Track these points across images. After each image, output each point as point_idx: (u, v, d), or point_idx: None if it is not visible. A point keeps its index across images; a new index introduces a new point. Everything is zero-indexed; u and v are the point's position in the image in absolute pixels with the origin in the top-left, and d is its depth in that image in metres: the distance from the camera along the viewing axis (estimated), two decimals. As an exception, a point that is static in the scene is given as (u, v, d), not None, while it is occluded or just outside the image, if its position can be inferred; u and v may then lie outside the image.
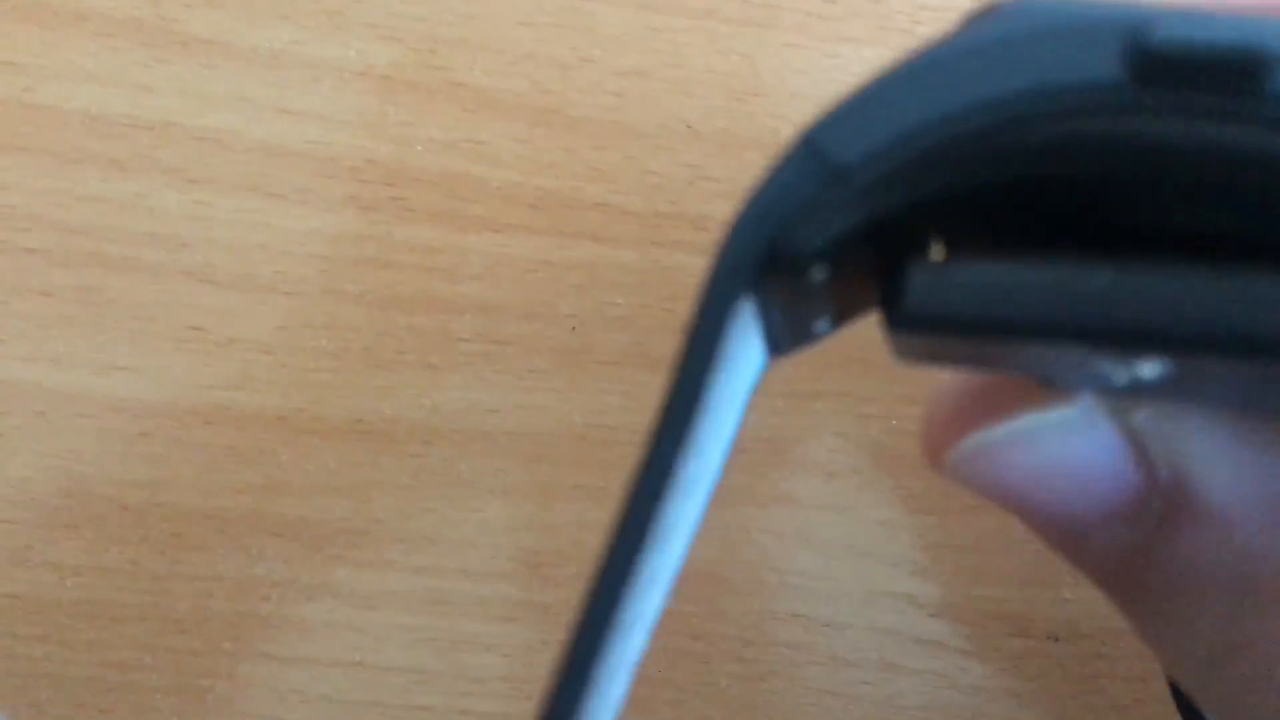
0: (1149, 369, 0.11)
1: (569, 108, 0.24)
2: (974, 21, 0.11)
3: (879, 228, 0.11)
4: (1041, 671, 0.24)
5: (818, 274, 0.11)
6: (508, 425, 0.24)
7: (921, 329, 0.11)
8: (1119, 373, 0.11)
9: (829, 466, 0.24)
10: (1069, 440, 0.13)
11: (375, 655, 0.24)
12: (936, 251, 0.11)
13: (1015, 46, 0.10)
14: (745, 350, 0.12)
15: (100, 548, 0.24)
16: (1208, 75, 0.10)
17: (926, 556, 0.24)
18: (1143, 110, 0.10)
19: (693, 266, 0.24)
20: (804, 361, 0.24)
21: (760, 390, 0.24)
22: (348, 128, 0.24)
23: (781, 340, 0.12)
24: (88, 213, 0.23)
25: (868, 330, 0.13)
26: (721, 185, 0.24)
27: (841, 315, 0.13)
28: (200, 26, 0.23)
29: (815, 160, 0.10)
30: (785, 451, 0.24)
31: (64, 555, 0.24)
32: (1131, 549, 0.13)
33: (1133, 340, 0.10)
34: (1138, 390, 0.12)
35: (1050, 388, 0.13)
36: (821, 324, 0.13)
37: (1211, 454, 0.12)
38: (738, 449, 0.23)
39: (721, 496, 0.24)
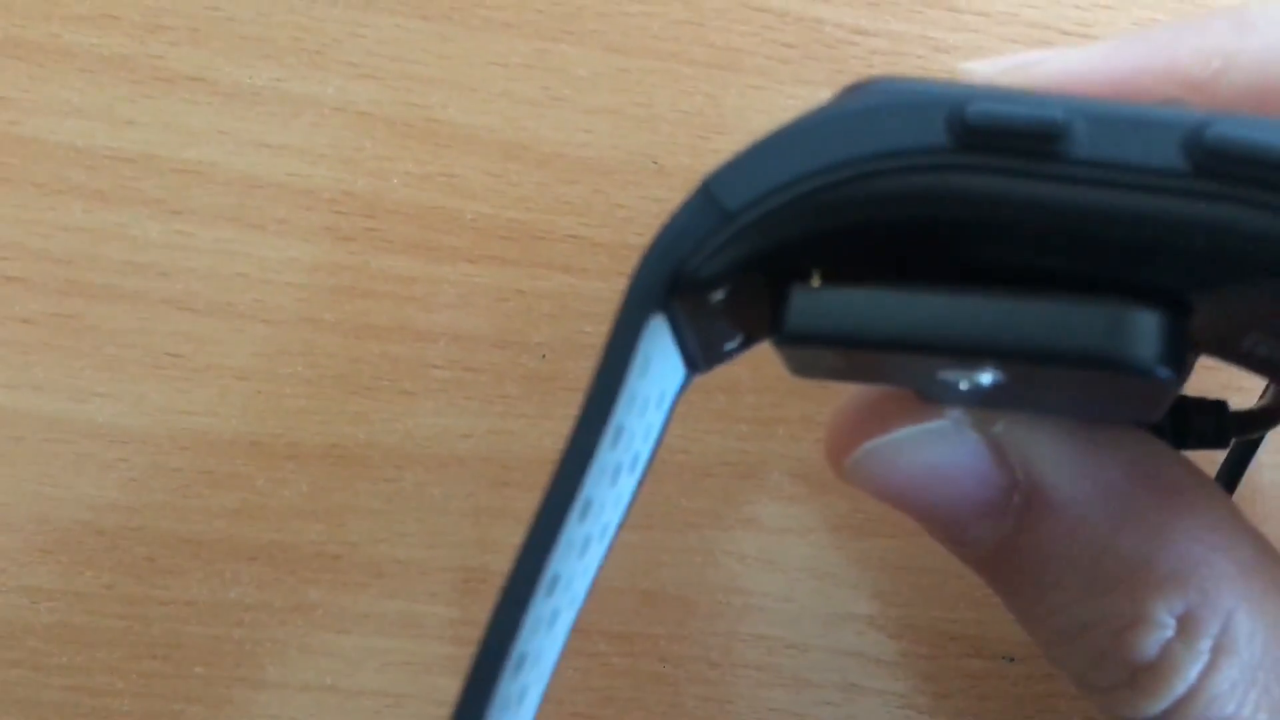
0: (986, 376, 0.13)
1: (541, 144, 0.25)
2: (846, 94, 0.13)
3: (770, 260, 0.13)
4: (997, 691, 0.25)
5: (717, 296, 0.13)
6: (480, 451, 0.25)
7: (801, 344, 0.13)
8: (964, 379, 0.13)
9: (791, 491, 0.25)
10: (941, 447, 0.15)
11: (348, 679, 0.24)
12: (815, 280, 0.13)
13: (867, 117, 0.13)
14: (663, 364, 0.14)
15: (75, 572, 0.24)
16: (1013, 142, 0.12)
17: (885, 579, 0.25)
18: (962, 169, 0.12)
19: (659, 297, 0.25)
20: (767, 389, 0.25)
21: (724, 416, 0.25)
22: (326, 161, 0.24)
23: (697, 358, 0.14)
24: (70, 242, 0.24)
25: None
26: (687, 219, 0.25)
27: (748, 336, 0.15)
28: (184, 64, 0.24)
29: (709, 203, 0.13)
30: (749, 476, 0.25)
31: (39, 579, 0.24)
32: (1000, 541, 0.15)
33: (962, 350, 0.13)
34: (984, 398, 0.14)
35: (926, 401, 0.15)
36: (731, 343, 0.15)
37: (1055, 456, 0.14)
38: (703, 473, 0.24)
39: (687, 520, 0.25)
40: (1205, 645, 0.14)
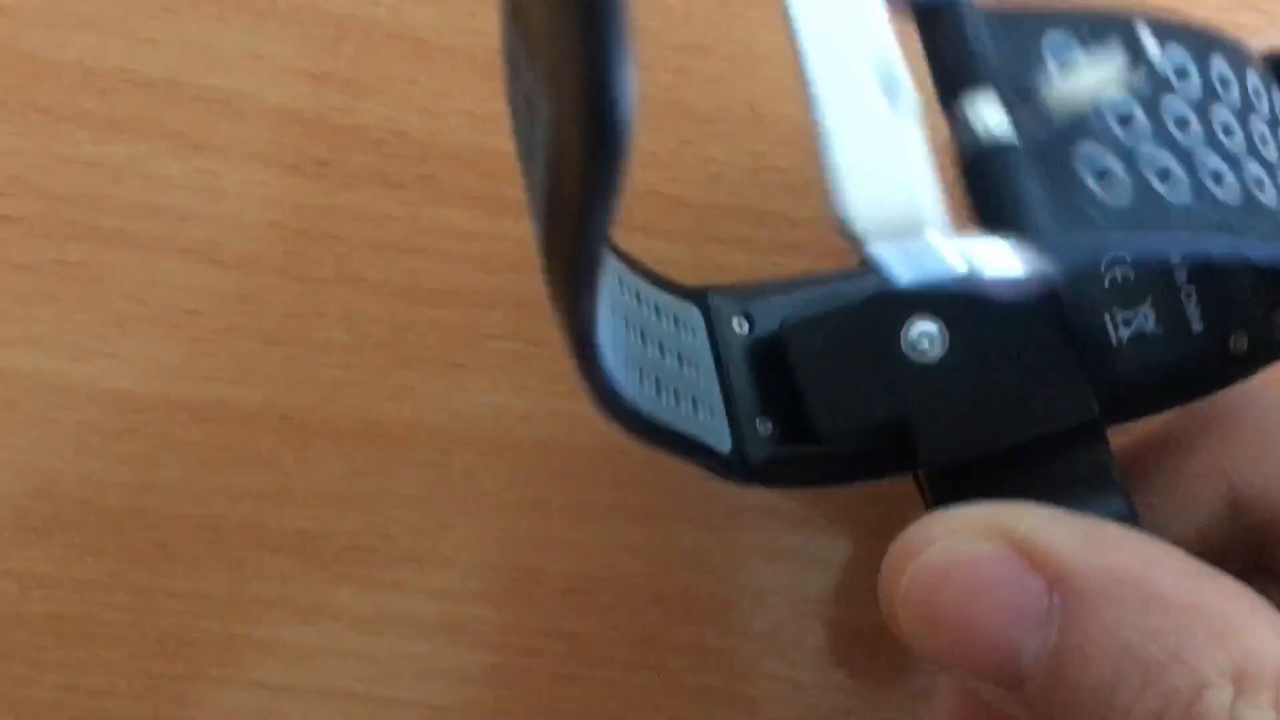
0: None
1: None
2: None
3: None
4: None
5: None
6: (539, 435, 0.22)
7: None
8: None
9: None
10: (977, 559, 0.15)
11: (380, 687, 0.22)
12: None
13: None
14: None
15: (74, 557, 0.21)
16: None
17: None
18: None
19: (751, 266, 0.22)
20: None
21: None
22: (374, 95, 0.21)
23: None
24: (77, 178, 0.21)
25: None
26: (788, 177, 0.22)
27: None
28: (214, -25, 0.21)
29: None
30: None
31: (32, 564, 0.21)
32: (1050, 658, 0.15)
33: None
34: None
35: None
36: None
37: (1076, 551, 0.15)
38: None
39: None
40: (1265, 699, 0.14)
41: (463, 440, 0.22)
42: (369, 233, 0.21)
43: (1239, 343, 0.18)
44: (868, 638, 0.22)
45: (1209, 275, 0.18)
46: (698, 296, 0.19)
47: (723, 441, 0.17)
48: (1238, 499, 0.18)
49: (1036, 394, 0.17)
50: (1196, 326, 0.18)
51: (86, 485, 0.21)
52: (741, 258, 0.22)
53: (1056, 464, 0.17)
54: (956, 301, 0.17)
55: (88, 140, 0.21)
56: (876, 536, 0.22)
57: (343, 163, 0.21)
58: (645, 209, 0.22)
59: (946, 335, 0.17)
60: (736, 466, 0.17)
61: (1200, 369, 0.18)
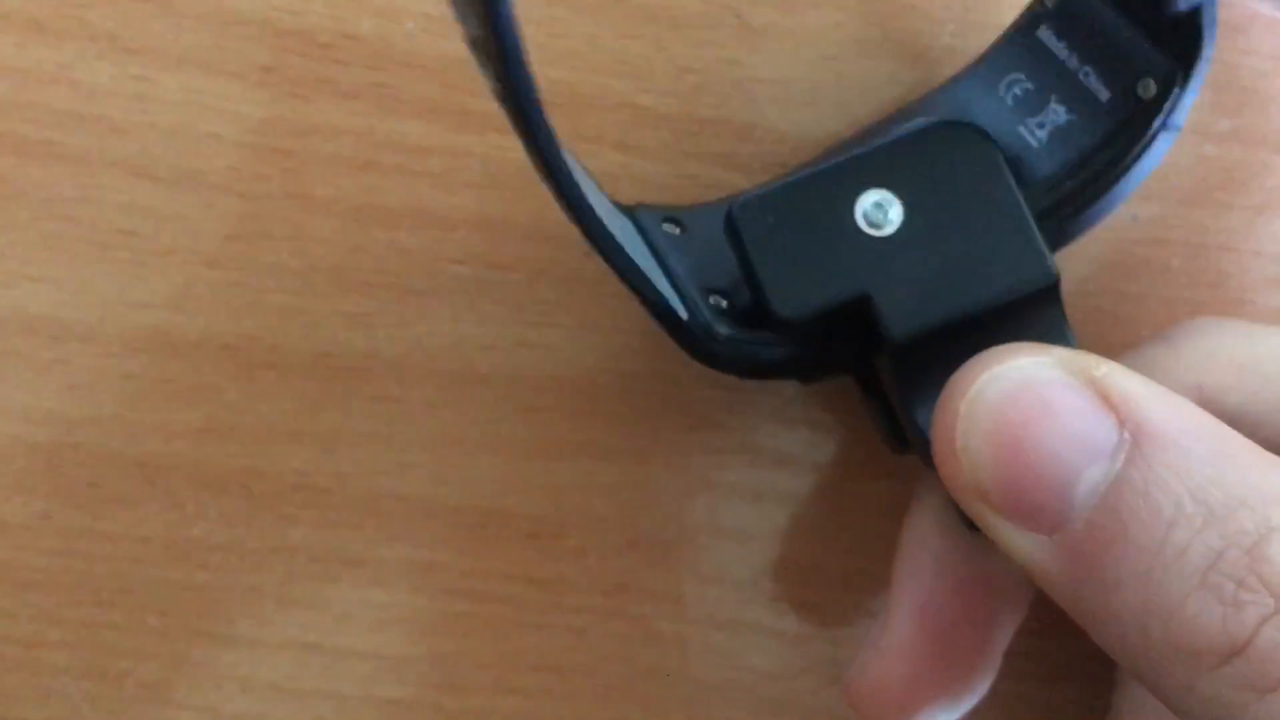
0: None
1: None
2: None
3: None
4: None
5: None
6: (504, 367, 0.20)
7: None
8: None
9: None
10: (1053, 385, 0.15)
11: (335, 637, 0.20)
12: None
13: None
14: None
15: (1, 497, 0.20)
16: None
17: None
18: None
19: (734, 185, 0.20)
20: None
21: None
22: (325, -3, 0.20)
23: None
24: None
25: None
26: (773, 89, 0.20)
27: None
28: None
29: None
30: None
31: (-45, 504, 0.20)
32: (1108, 490, 0.15)
33: None
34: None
35: None
36: None
37: (1156, 397, 0.15)
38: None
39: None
40: None
41: (422, 373, 0.20)
42: (318, 146, 0.20)
43: (1146, 88, 0.18)
44: (857, 584, 0.21)
45: (1097, 48, 0.19)
46: (626, 210, 0.18)
47: (682, 312, 0.17)
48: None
49: (996, 259, 0.17)
50: (1104, 96, 0.19)
51: (14, 419, 0.20)
52: (722, 175, 0.20)
53: (1017, 334, 0.16)
54: (909, 172, 0.17)
55: (10, 43, 0.19)
56: (862, 479, 0.21)
57: (289, 70, 0.20)
58: (618, 122, 0.20)
59: (900, 207, 0.17)
60: (700, 337, 0.17)
61: (1121, 129, 0.19)
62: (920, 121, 0.18)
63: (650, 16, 0.20)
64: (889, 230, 0.17)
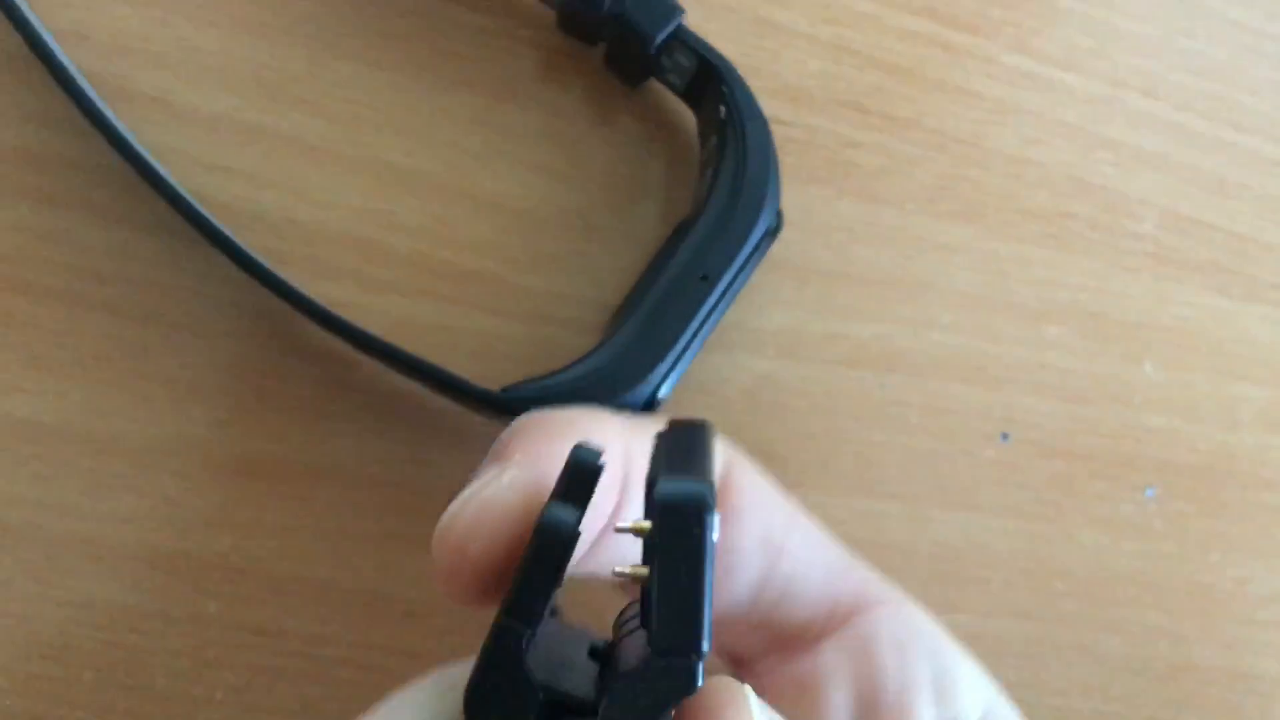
0: None
1: (478, 191, 0.26)
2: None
3: None
4: None
5: None
6: (395, 476, 0.25)
7: None
8: None
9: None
10: None
11: (239, 694, 0.24)
12: None
13: None
14: None
15: (-30, 567, 0.24)
16: None
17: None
18: None
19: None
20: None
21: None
22: (274, 189, 0.25)
23: None
24: (13, 240, 0.24)
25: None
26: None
27: None
28: (145, 84, 0.25)
29: None
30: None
31: (-68, 571, 0.24)
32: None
33: None
34: None
35: None
36: None
37: None
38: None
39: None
40: None
41: (327, 477, 0.25)
42: (256, 296, 0.25)
43: None
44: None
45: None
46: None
47: None
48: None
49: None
50: None
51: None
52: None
53: None
54: None
55: (27, 210, 0.25)
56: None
57: (241, 240, 0.25)
58: (488, 292, 0.26)
59: None
60: None
61: None
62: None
63: (519, 218, 0.27)
64: None
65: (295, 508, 0.25)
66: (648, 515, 0.15)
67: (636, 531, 0.15)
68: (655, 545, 0.14)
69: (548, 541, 0.15)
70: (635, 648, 0.15)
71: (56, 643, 0.24)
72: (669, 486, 0.15)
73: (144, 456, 0.25)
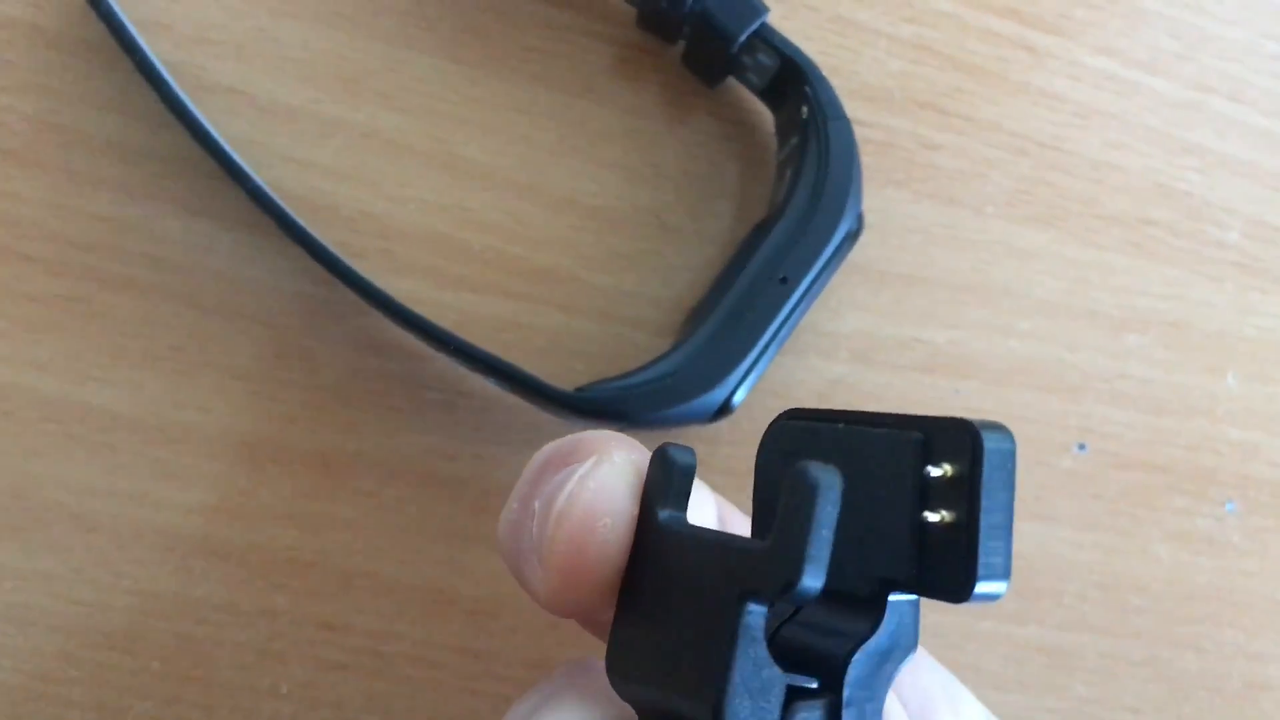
0: None
1: (553, 188, 0.26)
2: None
3: None
4: None
5: None
6: (462, 473, 0.25)
7: None
8: None
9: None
10: None
11: (303, 689, 0.24)
12: None
13: None
14: None
15: (41, 553, 0.24)
16: None
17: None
18: None
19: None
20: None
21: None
22: (349, 182, 0.25)
23: None
24: (93, 230, 0.24)
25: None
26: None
27: None
28: (224, 75, 0.25)
29: None
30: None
31: (2, 556, 0.24)
32: None
33: None
34: None
35: None
36: None
37: None
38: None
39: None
40: None
41: (396, 473, 0.25)
42: (329, 291, 0.25)
43: None
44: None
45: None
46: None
47: None
48: None
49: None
50: None
51: (63, 489, 0.24)
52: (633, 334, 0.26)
53: None
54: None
55: (107, 200, 0.25)
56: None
57: (315, 232, 0.25)
58: (564, 291, 0.26)
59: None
60: None
61: None
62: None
63: (594, 215, 0.26)
64: None
65: (365, 503, 0.25)
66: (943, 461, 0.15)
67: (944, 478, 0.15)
68: (974, 485, 0.14)
69: (829, 497, 0.13)
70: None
71: (125, 632, 0.24)
72: (989, 434, 0.15)
73: (216, 448, 0.25)
